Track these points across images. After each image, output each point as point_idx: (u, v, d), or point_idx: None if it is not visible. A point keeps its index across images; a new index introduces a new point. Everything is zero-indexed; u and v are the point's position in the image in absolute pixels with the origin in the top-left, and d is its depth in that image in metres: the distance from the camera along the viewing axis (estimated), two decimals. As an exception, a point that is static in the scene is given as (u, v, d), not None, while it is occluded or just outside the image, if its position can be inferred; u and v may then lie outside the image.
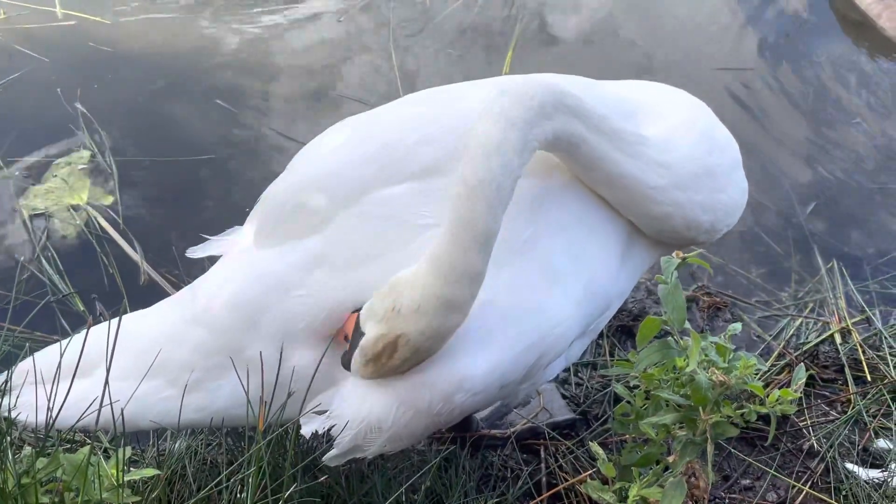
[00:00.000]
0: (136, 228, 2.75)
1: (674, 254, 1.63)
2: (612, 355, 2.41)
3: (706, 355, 1.67)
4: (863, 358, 2.38)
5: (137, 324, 1.75)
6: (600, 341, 2.45)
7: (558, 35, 3.62)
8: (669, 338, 1.68)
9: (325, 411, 1.62)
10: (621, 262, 1.74)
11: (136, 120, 3.18)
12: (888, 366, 2.35)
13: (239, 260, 1.78)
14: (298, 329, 1.64)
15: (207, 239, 1.94)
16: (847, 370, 2.35)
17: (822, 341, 2.46)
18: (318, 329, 1.64)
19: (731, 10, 3.78)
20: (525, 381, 1.66)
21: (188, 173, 2.97)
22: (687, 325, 1.65)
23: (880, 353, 2.41)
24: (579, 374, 2.38)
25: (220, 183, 2.94)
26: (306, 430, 1.61)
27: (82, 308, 2.48)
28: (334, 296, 1.63)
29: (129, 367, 1.65)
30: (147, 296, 2.20)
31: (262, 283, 1.68)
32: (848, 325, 2.49)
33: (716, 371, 1.63)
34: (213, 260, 1.85)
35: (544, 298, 1.60)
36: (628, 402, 1.81)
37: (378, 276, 1.58)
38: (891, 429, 2.18)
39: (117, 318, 1.49)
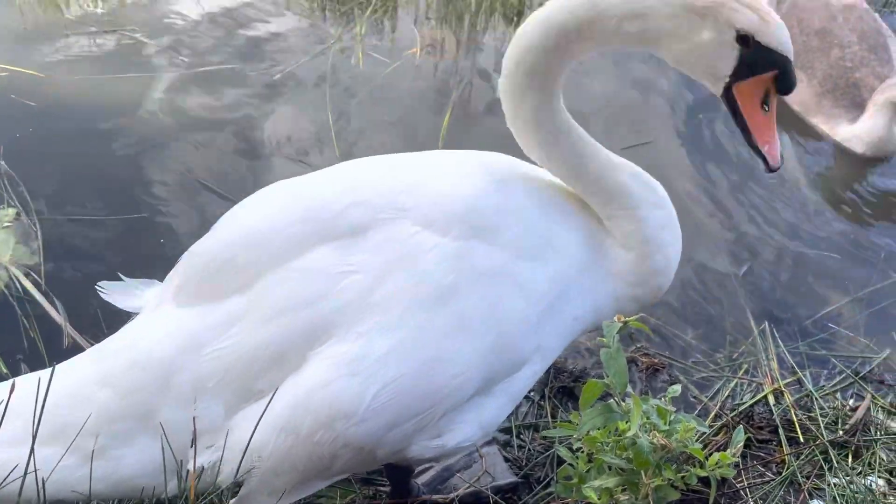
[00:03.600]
0: (61, 289, 2.63)
1: (615, 317, 1.65)
2: (554, 417, 2.40)
3: (647, 418, 1.68)
4: (795, 419, 2.43)
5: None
6: (542, 402, 2.45)
7: (494, 102, 3.69)
8: (611, 400, 1.68)
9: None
10: (547, 318, 1.75)
11: (62, 177, 3.07)
12: (819, 427, 2.40)
13: (155, 318, 1.73)
14: (209, 387, 1.59)
15: (123, 279, 1.88)
16: (781, 431, 2.39)
17: (757, 402, 2.51)
18: (230, 384, 1.59)
19: (645, 88, 3.92)
20: (421, 431, 1.64)
21: (116, 232, 2.88)
22: (628, 388, 1.65)
23: (811, 415, 2.47)
24: (521, 437, 2.36)
25: (149, 242, 2.85)
26: (191, 465, 1.56)
27: (5, 370, 2.35)
28: (250, 350, 1.60)
29: (24, 433, 1.52)
30: (71, 359, 2.09)
31: (178, 344, 1.63)
32: (780, 387, 2.55)
33: (657, 434, 1.64)
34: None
35: (448, 346, 1.61)
36: (571, 465, 1.80)
37: (297, 327, 1.58)
38: (824, 489, 2.21)
39: (10, 380, 1.42)
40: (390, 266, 1.63)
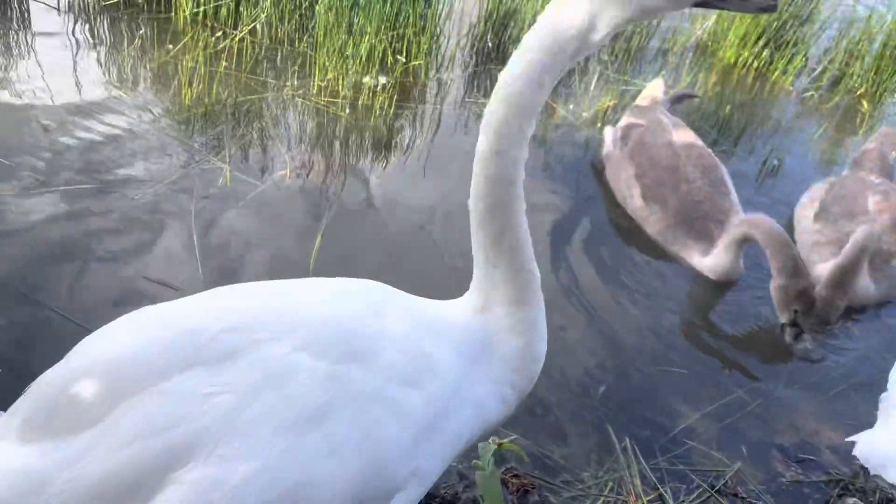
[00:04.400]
0: None
1: (490, 440, 1.67)
2: (426, 545, 2.35)
3: (521, 541, 1.68)
4: (660, 535, 2.50)
5: None
6: (414, 531, 2.39)
7: (365, 227, 3.75)
8: (486, 524, 1.68)
9: None
10: (424, 441, 1.75)
11: None
12: (682, 541, 2.48)
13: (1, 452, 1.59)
14: None
15: None
16: (647, 548, 2.45)
17: (623, 520, 2.57)
18: None
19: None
20: None
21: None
22: (503, 510, 1.65)
23: (674, 529, 2.55)
24: (393, 569, 2.28)
25: (1, 375, 2.64)
26: None
27: None
28: (98, 481, 1.49)
29: None
30: None
31: (21, 485, 1.50)
32: (644, 503, 2.63)
33: (531, 557, 1.64)
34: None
35: (316, 470, 1.58)
36: None
37: (154, 452, 1.50)
38: None
39: None
40: (260, 387, 1.59)
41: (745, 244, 3.80)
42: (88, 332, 1.84)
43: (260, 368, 1.62)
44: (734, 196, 4.17)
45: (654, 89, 4.77)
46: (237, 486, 1.50)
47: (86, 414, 1.56)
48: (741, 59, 6.03)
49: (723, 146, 5.06)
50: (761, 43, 5.96)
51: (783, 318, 3.55)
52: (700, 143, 4.38)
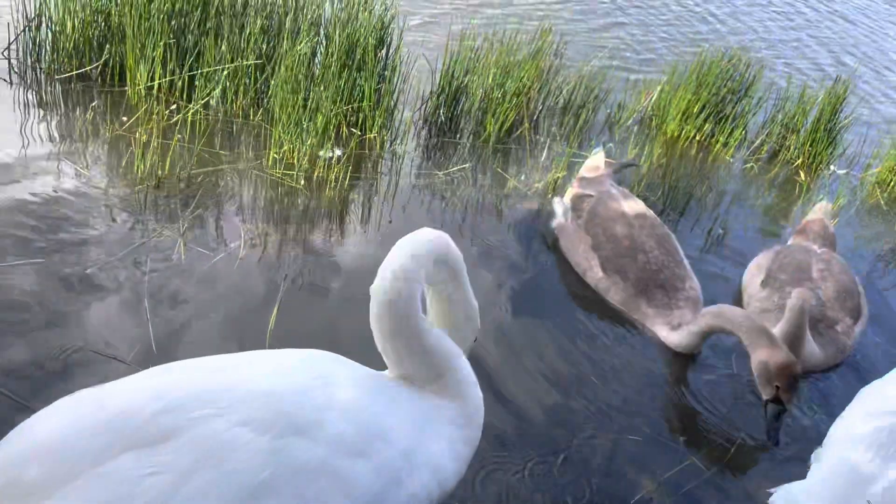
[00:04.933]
0: None
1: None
2: None
3: None
4: None
5: None
6: None
7: (320, 298, 3.74)
8: None
9: None
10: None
11: None
12: None
13: None
14: None
15: None
16: None
17: None
18: None
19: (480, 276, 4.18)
20: None
21: None
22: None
23: None
24: None
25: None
26: None
27: None
28: None
29: None
30: None
31: None
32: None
33: None
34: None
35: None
36: None
37: None
38: None
39: None
40: (198, 464, 1.57)
41: (716, 333, 3.85)
42: (33, 410, 1.79)
43: (198, 446, 1.60)
44: (686, 263, 4.28)
45: (596, 160, 4.91)
46: None
47: (20, 501, 1.51)
48: (684, 132, 6.26)
49: (669, 216, 5.21)
50: (703, 117, 6.21)
51: (765, 394, 3.48)
52: (650, 212, 4.50)
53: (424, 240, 2.20)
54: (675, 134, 6.28)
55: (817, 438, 3.44)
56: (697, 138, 6.31)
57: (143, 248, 3.73)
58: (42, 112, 4.73)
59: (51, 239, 3.66)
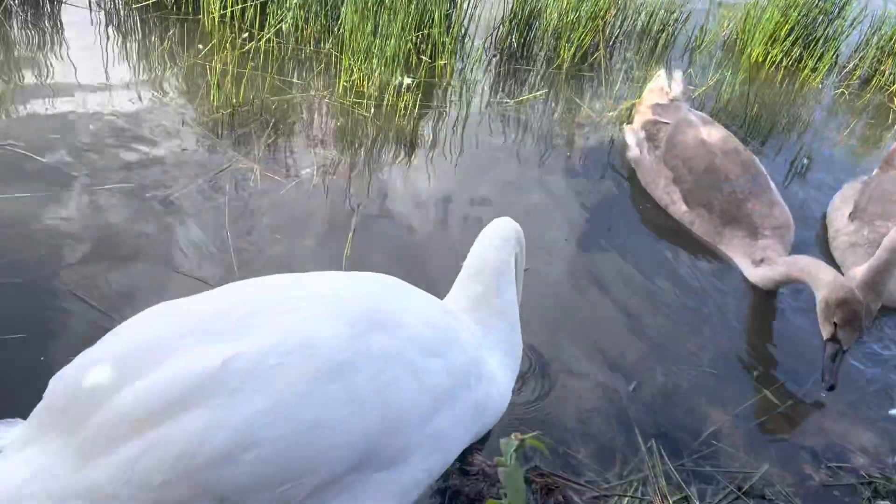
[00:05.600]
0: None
1: (512, 435, 1.67)
2: (450, 543, 2.35)
3: (546, 538, 1.68)
4: (686, 535, 2.48)
5: None
6: (438, 528, 2.39)
7: (391, 222, 3.76)
8: (510, 522, 1.68)
9: None
10: (444, 407, 1.90)
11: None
12: (709, 542, 2.46)
13: (23, 457, 1.61)
14: None
15: None
16: (673, 549, 2.43)
17: (648, 520, 2.55)
18: None
19: (532, 211, 4.13)
20: None
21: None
22: (527, 507, 1.65)
23: (701, 530, 2.53)
24: (418, 565, 2.29)
25: (27, 368, 2.68)
26: None
27: None
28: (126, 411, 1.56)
29: None
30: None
31: (42, 487, 1.53)
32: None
33: (555, 554, 1.64)
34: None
35: (330, 415, 1.66)
36: (470, 592, 1.75)
37: (176, 391, 1.54)
38: None
39: None
40: (283, 344, 1.64)
41: (795, 283, 3.70)
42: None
43: (282, 332, 1.67)
44: (774, 187, 4.12)
45: (674, 85, 4.72)
46: (248, 417, 1.55)
47: (107, 393, 1.59)
48: (770, 56, 5.96)
49: (751, 145, 5.01)
50: (790, 40, 5.89)
51: (825, 334, 3.34)
52: (732, 137, 4.32)
53: (513, 224, 2.61)
54: (760, 59, 5.98)
55: (899, 376, 3.33)
56: (784, 63, 5.99)
57: (222, 174, 3.82)
58: (121, 40, 4.82)
59: (133, 165, 3.77)
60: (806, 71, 5.92)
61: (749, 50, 6.02)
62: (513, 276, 2.56)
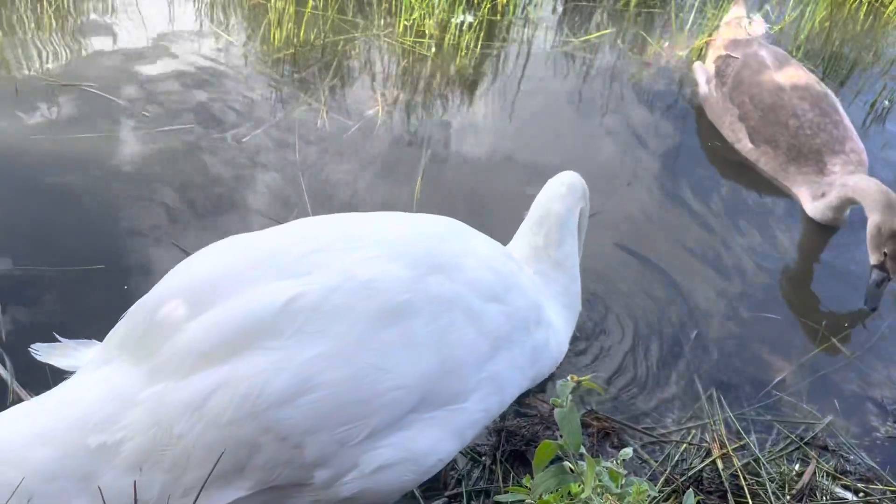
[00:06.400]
0: (11, 343, 2.54)
1: (569, 377, 1.67)
2: (505, 481, 2.38)
3: (600, 480, 1.68)
4: (744, 484, 2.45)
5: None
6: (493, 467, 2.43)
7: (456, 166, 3.74)
8: (565, 462, 1.69)
9: None
10: (502, 350, 1.90)
11: (18, 228, 3.01)
12: (767, 491, 2.43)
13: (97, 376, 1.68)
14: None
15: (60, 340, 1.84)
16: (730, 496, 2.42)
17: (705, 467, 2.53)
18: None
19: (591, 155, 4.03)
20: (353, 444, 1.67)
21: (74, 285, 2.81)
22: (582, 449, 1.66)
23: (759, 480, 2.50)
24: (473, 502, 2.33)
25: (108, 297, 2.78)
26: None
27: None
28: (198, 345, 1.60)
29: None
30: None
31: (125, 404, 1.58)
32: (728, 451, 2.58)
33: (609, 497, 1.64)
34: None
35: (389, 357, 1.68)
36: (524, 529, 1.78)
37: (240, 328, 1.59)
38: (773, 555, 2.22)
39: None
40: (345, 283, 1.67)
41: (850, 205, 3.61)
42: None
43: (345, 270, 1.69)
44: (848, 122, 3.94)
45: (754, 24, 4.52)
46: (310, 360, 1.58)
47: (178, 322, 1.64)
48: (853, -9, 5.63)
49: (829, 85, 4.77)
50: (877, -26, 5.54)
51: (873, 259, 3.35)
52: (804, 71, 4.14)
53: (579, 178, 2.58)
54: (843, -6, 5.66)
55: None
56: (868, -1, 5.65)
57: (289, 116, 3.83)
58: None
59: (200, 107, 3.82)
60: (892, 6, 5.57)
61: (831, -16, 5.68)
62: (575, 229, 2.55)
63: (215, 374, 1.56)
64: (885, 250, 3.30)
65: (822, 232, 3.74)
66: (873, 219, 3.35)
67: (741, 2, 4.68)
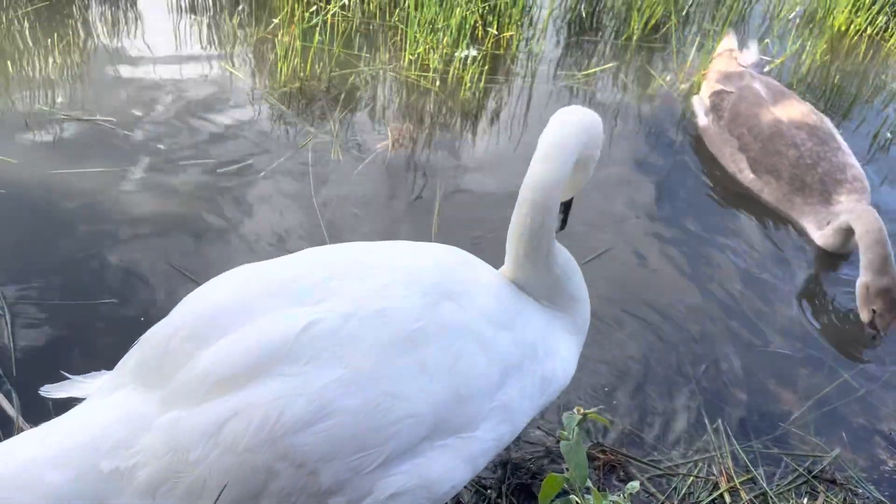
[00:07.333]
0: (20, 375, 2.55)
1: (575, 409, 1.66)
2: (510, 515, 2.36)
3: (607, 515, 1.67)
4: (752, 518, 2.43)
5: None
6: (499, 500, 2.40)
7: (465, 198, 3.75)
8: (571, 496, 1.67)
9: None
10: (512, 378, 1.88)
11: (27, 261, 3.03)
12: (776, 526, 2.41)
13: (111, 401, 1.69)
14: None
15: (68, 378, 1.85)
16: (738, 530, 2.39)
17: (713, 501, 2.50)
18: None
19: (603, 194, 4.06)
20: (367, 472, 1.65)
21: (82, 318, 2.82)
22: (588, 483, 1.65)
23: (767, 513, 2.47)
24: (478, 536, 2.31)
25: (116, 329, 2.79)
26: None
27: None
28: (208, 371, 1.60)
29: None
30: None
31: (139, 429, 1.59)
32: (736, 485, 2.55)
33: (616, 531, 1.63)
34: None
35: (404, 385, 1.67)
36: (530, 565, 1.76)
37: (255, 356, 1.59)
38: (783, 591, 2.19)
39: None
40: (359, 310, 1.68)
41: (854, 234, 3.62)
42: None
43: (360, 297, 1.71)
44: (846, 147, 3.97)
45: (746, 53, 4.59)
46: (326, 386, 1.59)
47: (193, 349, 1.65)
48: (853, 25, 5.68)
49: (831, 118, 4.80)
50: (876, 8, 5.60)
51: (863, 317, 3.39)
52: (798, 100, 4.19)
53: (589, 119, 2.25)
54: (843, 28, 5.71)
55: None
56: (868, 32, 5.71)
57: (298, 151, 3.86)
58: (192, 16, 4.91)
59: (210, 140, 3.86)
60: (893, 40, 5.62)
61: (831, 18, 5.75)
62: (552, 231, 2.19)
63: (231, 400, 1.57)
64: (874, 308, 3.34)
65: (830, 262, 3.74)
66: (863, 276, 3.39)
67: (731, 33, 4.76)
